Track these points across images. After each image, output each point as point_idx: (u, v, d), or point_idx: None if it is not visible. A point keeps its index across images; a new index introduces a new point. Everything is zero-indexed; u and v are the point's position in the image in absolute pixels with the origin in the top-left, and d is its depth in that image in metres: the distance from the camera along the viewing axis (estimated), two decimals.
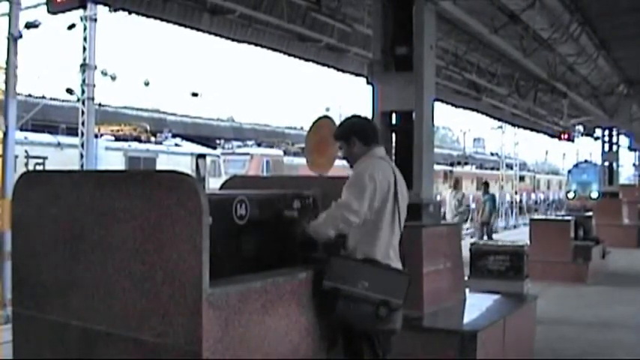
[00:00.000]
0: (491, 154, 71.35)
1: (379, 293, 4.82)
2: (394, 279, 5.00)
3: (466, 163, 62.24)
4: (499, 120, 33.82)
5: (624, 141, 33.35)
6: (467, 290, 8.62)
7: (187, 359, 3.89)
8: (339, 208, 5.00)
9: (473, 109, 24.17)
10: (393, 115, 9.18)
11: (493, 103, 24.17)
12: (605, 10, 14.93)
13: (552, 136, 31.86)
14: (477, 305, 8.25)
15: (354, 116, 5.71)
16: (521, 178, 63.42)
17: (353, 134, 5.39)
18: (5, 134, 15.58)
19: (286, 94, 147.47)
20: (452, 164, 56.02)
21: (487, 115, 26.87)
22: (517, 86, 22.38)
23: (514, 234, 32.51)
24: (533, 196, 63.63)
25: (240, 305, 4.15)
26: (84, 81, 21.67)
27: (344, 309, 4.78)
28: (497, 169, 58.37)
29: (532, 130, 32.89)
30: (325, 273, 4.80)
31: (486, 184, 24.46)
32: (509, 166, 59.18)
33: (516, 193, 56.18)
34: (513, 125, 36.09)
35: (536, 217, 25.55)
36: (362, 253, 5.02)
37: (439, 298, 7.67)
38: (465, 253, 8.93)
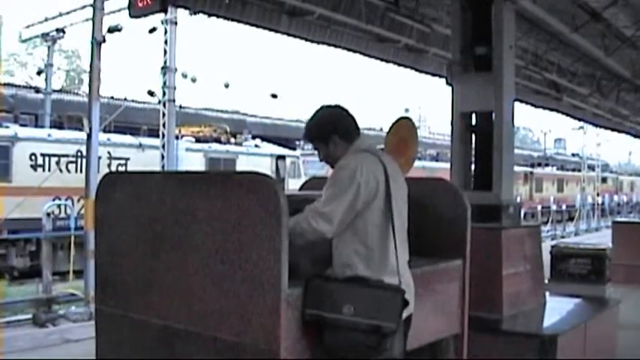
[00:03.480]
0: (573, 155, 70.25)
1: (367, 318, 3.94)
2: (384, 298, 4.06)
3: (547, 164, 61.31)
4: (580, 120, 33.19)
5: None
6: (547, 293, 8.49)
7: (265, 359, 3.89)
8: (306, 212, 4.20)
9: (553, 110, 23.77)
10: (473, 116, 9.14)
11: (574, 103, 23.72)
12: None
13: (636, 136, 31.21)
14: (557, 309, 8.12)
15: (327, 107, 4.65)
16: (604, 180, 62.25)
17: (334, 132, 4.46)
18: (89, 136, 15.91)
19: (365, 95, 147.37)
20: (532, 165, 55.31)
21: (568, 115, 26.39)
22: (599, 86, 21.93)
23: (596, 237, 31.86)
24: (615, 198, 62.26)
25: None
26: (165, 83, 22.09)
27: (332, 341, 3.97)
28: (579, 170, 57.31)
29: (614, 130, 32.24)
30: (304, 299, 4.00)
31: None
32: (591, 167, 58.04)
33: (598, 194, 55.06)
34: (595, 125, 35.43)
35: (618, 219, 24.95)
36: (345, 270, 4.22)
37: (519, 301, 7.58)
38: (546, 256, 8.80)
